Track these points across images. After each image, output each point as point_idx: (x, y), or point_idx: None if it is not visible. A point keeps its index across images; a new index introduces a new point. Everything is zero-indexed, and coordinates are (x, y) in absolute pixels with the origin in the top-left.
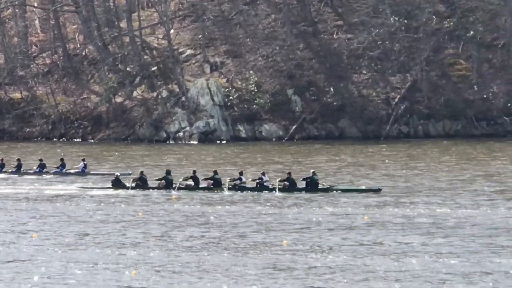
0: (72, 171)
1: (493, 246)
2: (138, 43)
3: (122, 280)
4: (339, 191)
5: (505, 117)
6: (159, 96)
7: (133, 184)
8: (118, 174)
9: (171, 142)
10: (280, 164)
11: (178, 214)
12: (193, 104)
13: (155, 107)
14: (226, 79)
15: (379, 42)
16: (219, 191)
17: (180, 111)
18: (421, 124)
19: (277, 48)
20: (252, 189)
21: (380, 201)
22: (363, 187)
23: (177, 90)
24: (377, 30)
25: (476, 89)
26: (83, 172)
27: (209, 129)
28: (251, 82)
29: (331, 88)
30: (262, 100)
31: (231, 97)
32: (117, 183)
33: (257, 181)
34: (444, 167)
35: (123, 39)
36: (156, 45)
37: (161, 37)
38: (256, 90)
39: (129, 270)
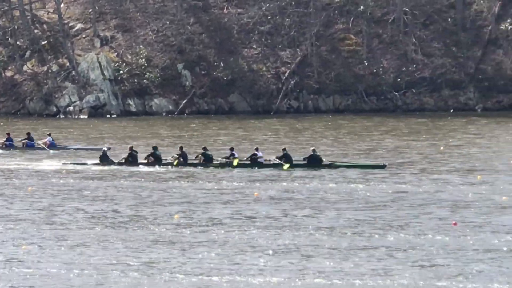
0: (41, 145)
1: (376, 221)
2: (28, 17)
3: (13, 256)
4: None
5: (395, 92)
6: (49, 71)
7: (122, 160)
8: (105, 149)
9: (61, 116)
10: (171, 138)
11: (68, 188)
12: (83, 79)
13: (45, 81)
14: (116, 53)
15: (269, 17)
16: (209, 166)
17: (70, 86)
18: (311, 99)
19: (167, 22)
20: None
21: (270, 175)
22: (368, 163)
23: (68, 64)
24: (268, 5)
25: (366, 64)
26: (54, 146)
27: (99, 103)
28: (141, 56)
29: (221, 62)
30: (152, 75)
31: (121, 72)
32: (105, 158)
33: (252, 157)
34: (329, 141)
35: (13, 13)
36: (46, 19)
37: (52, 11)
38: (146, 64)
39: (20, 245)
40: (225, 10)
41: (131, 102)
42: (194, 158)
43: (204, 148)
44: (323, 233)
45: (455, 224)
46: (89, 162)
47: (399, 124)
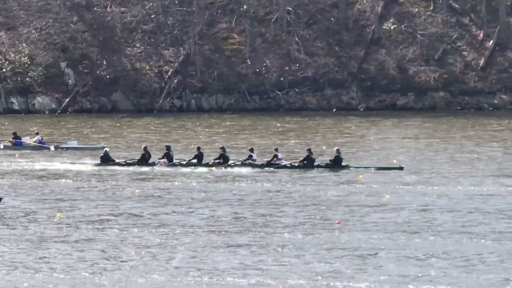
0: (31, 144)
1: (252, 219)
2: None
3: None
4: (361, 168)
5: (277, 91)
6: None
7: (130, 161)
8: (108, 150)
9: None
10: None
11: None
12: None
13: None
14: None
15: (152, 16)
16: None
17: None
18: (194, 98)
19: (51, 21)
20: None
21: (148, 172)
22: (385, 166)
23: None
24: (151, 4)
25: (249, 63)
26: (43, 145)
27: None
28: (24, 54)
29: (104, 61)
30: (35, 73)
31: (4, 70)
32: (106, 159)
33: (273, 158)
34: (207, 139)
35: None
36: None
37: None
38: (29, 62)
39: None
40: (108, 8)
41: (14, 100)
42: (213, 159)
43: (223, 148)
44: (205, 231)
45: (338, 223)
46: (89, 161)
47: (279, 123)
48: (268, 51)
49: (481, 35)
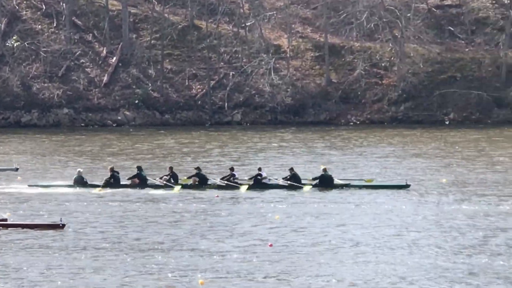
0: None
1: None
2: None
3: None
4: (361, 188)
5: None
6: None
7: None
8: (81, 171)
9: None
10: None
11: None
12: None
13: None
14: None
15: None
16: (206, 188)
17: None
18: None
19: None
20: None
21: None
22: (390, 184)
23: None
24: None
25: None
26: None
27: None
28: None
29: None
30: None
31: None
32: (80, 181)
33: (256, 177)
34: None
35: None
36: None
37: None
38: None
39: None
40: None
41: None
42: (187, 178)
43: (198, 168)
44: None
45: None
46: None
47: None
48: None
49: (104, 51)
